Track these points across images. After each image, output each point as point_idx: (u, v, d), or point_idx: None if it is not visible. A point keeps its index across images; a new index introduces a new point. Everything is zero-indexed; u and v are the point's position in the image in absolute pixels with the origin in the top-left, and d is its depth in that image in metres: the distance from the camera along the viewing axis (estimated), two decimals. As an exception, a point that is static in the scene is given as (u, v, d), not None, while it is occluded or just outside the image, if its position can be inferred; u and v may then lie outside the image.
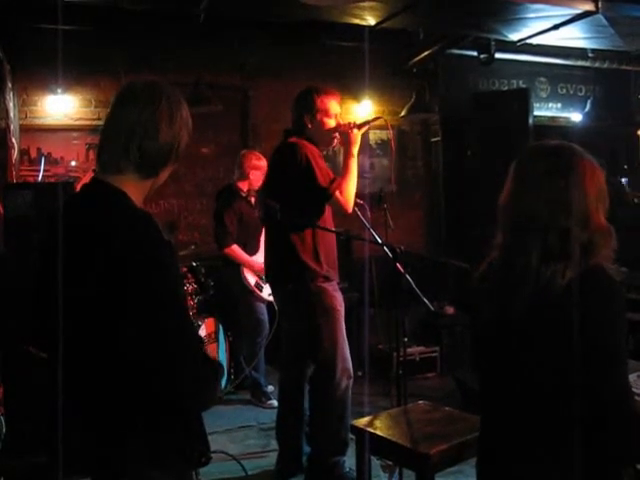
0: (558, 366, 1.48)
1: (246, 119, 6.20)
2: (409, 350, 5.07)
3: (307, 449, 3.52)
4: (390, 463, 3.19)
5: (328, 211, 3.42)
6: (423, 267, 4.42)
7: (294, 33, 5.75)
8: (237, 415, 4.60)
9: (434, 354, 5.55)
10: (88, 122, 5.61)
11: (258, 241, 4.79)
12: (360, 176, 3.50)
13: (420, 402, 2.89)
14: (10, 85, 5.02)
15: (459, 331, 5.61)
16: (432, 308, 3.33)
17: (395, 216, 4.18)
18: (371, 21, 5.29)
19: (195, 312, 4.77)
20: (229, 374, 4.94)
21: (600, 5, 4.78)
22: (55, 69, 4.90)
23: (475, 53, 6.21)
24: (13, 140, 5.05)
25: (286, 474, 3.52)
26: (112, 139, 1.54)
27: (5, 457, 3.21)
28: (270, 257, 3.55)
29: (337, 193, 3.26)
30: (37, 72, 5.38)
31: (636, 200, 6.89)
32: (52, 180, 5.44)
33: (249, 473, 3.48)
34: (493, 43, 6.00)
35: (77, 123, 5.65)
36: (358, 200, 3.46)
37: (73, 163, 5.63)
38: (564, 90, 7.38)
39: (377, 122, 3.58)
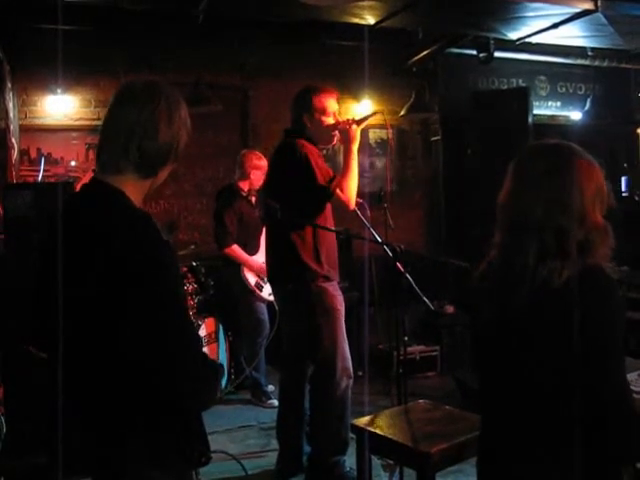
0: (557, 365, 1.48)
1: (246, 119, 6.20)
2: (409, 349, 5.07)
3: (307, 449, 3.52)
4: (391, 462, 3.19)
5: (328, 211, 3.42)
6: (423, 266, 4.42)
7: (294, 33, 5.75)
8: (237, 415, 4.61)
9: (434, 353, 5.55)
10: (88, 122, 5.62)
11: (258, 241, 4.79)
12: (360, 175, 3.50)
13: (420, 401, 2.89)
14: (10, 85, 5.02)
15: (459, 330, 5.61)
16: (432, 307, 3.33)
17: (395, 215, 4.17)
18: (370, 20, 5.28)
19: (195, 312, 4.76)
20: (229, 374, 4.94)
21: (599, 4, 4.77)
22: (55, 69, 4.90)
23: (474, 52, 6.21)
24: (13, 140, 5.05)
25: (286, 474, 3.52)
26: (111, 139, 1.54)
27: (5, 457, 3.21)
28: (270, 257, 3.55)
29: (338, 191, 3.27)
30: (37, 72, 5.38)
31: (637, 198, 6.89)
32: (52, 180, 5.44)
33: (249, 473, 3.48)
34: (492, 42, 6.00)
35: (77, 123, 5.66)
36: (358, 199, 3.46)
37: (73, 163, 5.63)
38: (564, 89, 7.38)
39: (376, 121, 3.59)
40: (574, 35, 5.62)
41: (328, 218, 3.42)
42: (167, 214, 5.83)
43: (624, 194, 7.36)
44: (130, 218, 1.47)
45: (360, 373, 4.50)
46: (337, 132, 3.43)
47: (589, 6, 4.80)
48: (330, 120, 3.41)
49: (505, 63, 6.64)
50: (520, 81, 7.10)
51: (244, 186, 4.91)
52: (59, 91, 5.49)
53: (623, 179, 7.40)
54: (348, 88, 6.18)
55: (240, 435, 4.26)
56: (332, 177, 3.29)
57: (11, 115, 4.98)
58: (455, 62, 6.57)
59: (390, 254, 3.08)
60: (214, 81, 5.80)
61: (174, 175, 5.58)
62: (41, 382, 1.59)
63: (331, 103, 3.42)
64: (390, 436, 2.49)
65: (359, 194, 3.46)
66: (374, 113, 3.64)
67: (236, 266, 4.81)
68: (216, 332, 4.89)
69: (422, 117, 6.74)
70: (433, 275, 5.21)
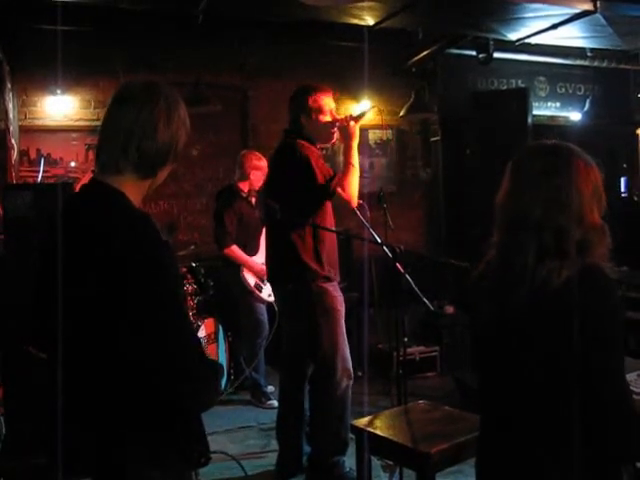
0: (557, 365, 1.48)
1: (246, 119, 6.20)
2: (409, 350, 5.07)
3: (307, 449, 3.52)
4: (390, 463, 3.19)
5: (329, 211, 3.42)
6: (423, 267, 4.41)
7: (293, 33, 5.75)
8: (237, 415, 4.61)
9: (434, 354, 5.55)
10: (87, 123, 5.62)
11: (258, 242, 4.80)
12: (360, 176, 3.50)
13: (420, 402, 2.89)
14: (9, 86, 5.02)
15: (459, 331, 5.61)
16: (432, 308, 3.34)
17: (395, 216, 4.17)
18: (370, 21, 5.29)
19: (195, 312, 4.76)
20: (229, 375, 4.94)
21: (598, 4, 4.78)
22: (54, 70, 4.91)
23: (474, 53, 6.22)
24: (13, 141, 5.05)
25: (286, 474, 3.52)
26: (110, 139, 1.54)
27: (5, 458, 3.21)
28: (271, 257, 3.55)
29: (339, 189, 3.27)
30: (36, 73, 5.38)
31: (636, 198, 6.90)
32: (52, 181, 5.44)
33: (249, 473, 3.48)
34: (492, 43, 6.01)
35: (76, 124, 5.66)
36: (358, 200, 3.46)
37: (72, 164, 5.63)
38: (563, 89, 7.38)
39: (375, 122, 3.60)
40: (573, 36, 5.63)
41: (328, 218, 3.42)
42: (167, 214, 5.83)
43: (623, 194, 7.37)
44: (129, 218, 1.47)
45: (360, 373, 4.51)
46: (336, 129, 3.43)
47: (588, 7, 4.81)
48: (327, 118, 3.41)
49: (504, 64, 6.64)
50: (519, 82, 7.10)
51: (244, 187, 4.91)
52: (59, 92, 5.50)
53: (622, 179, 7.40)
54: (348, 88, 6.19)
55: (240, 436, 4.26)
56: (332, 176, 3.29)
57: (11, 116, 4.98)
58: (455, 63, 6.58)
59: (390, 255, 3.08)
60: (214, 81, 5.81)
61: (174, 175, 5.58)
62: (41, 382, 1.59)
63: (327, 101, 3.42)
64: (390, 437, 2.48)
65: (359, 194, 3.46)
66: (371, 107, 3.67)
67: (236, 267, 4.81)
68: (216, 333, 4.89)
69: (422, 117, 6.74)
70: (433, 275, 5.22)
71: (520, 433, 1.58)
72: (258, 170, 4.84)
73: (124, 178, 1.53)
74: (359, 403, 3.84)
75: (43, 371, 1.57)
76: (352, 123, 3.37)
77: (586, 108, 7.33)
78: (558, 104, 7.37)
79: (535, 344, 1.52)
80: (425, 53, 6.26)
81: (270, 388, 4.90)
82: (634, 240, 5.05)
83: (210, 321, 4.85)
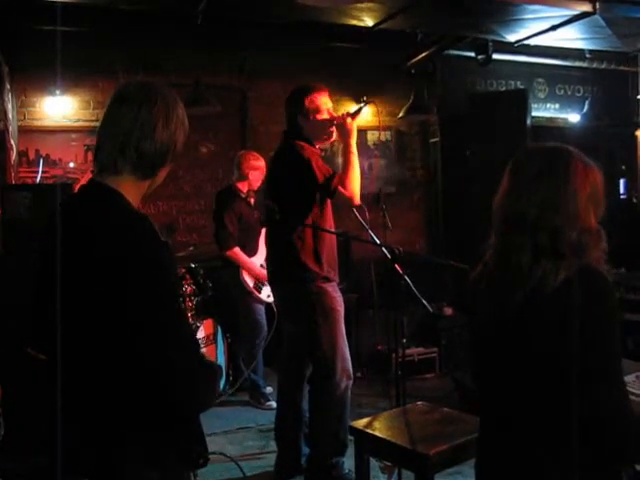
0: (555, 365, 1.48)
1: (245, 120, 6.20)
2: (408, 351, 5.07)
3: (306, 450, 3.52)
4: (389, 464, 3.19)
5: (329, 212, 3.42)
6: (422, 268, 4.42)
7: (293, 34, 5.75)
8: (236, 416, 4.60)
9: (433, 355, 5.55)
10: (86, 123, 5.61)
11: (257, 242, 4.80)
12: (360, 176, 3.50)
13: (419, 403, 2.90)
14: (9, 86, 5.01)
15: (458, 332, 5.61)
16: (431, 309, 3.33)
17: (394, 217, 4.18)
18: (369, 22, 5.29)
19: (194, 313, 4.76)
20: (227, 376, 4.93)
21: (597, 6, 4.79)
22: (53, 70, 4.90)
23: (473, 54, 6.23)
24: (12, 142, 5.04)
25: (285, 475, 3.52)
26: (109, 140, 1.54)
27: (4, 458, 3.20)
28: (270, 258, 3.55)
29: (340, 188, 3.27)
30: (35, 73, 5.37)
31: (635, 200, 6.90)
32: (50, 182, 5.43)
33: (247, 474, 3.49)
34: (491, 44, 6.01)
35: (75, 124, 5.65)
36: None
37: (71, 164, 5.63)
38: (562, 91, 7.39)
39: (373, 122, 3.60)
40: (572, 37, 5.64)
41: (328, 219, 3.42)
42: (166, 215, 5.82)
43: (622, 196, 7.37)
44: (128, 219, 1.47)
45: (359, 375, 4.51)
46: (334, 128, 3.43)
47: (587, 8, 4.82)
48: (325, 117, 3.41)
49: (503, 65, 6.65)
50: (518, 83, 7.11)
51: (243, 187, 4.91)
52: (58, 92, 5.49)
53: (621, 181, 7.40)
54: (347, 90, 6.19)
55: (238, 437, 4.26)
56: (332, 174, 3.28)
57: (10, 116, 4.98)
58: (454, 64, 6.58)
59: (389, 256, 3.08)
60: (213, 82, 5.80)
61: (173, 176, 5.59)
62: (40, 383, 1.59)
63: (324, 100, 3.42)
64: (389, 438, 2.48)
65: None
66: (367, 102, 3.69)
67: (235, 267, 4.80)
68: (214, 333, 4.88)
69: (421, 118, 6.74)
70: (432, 277, 5.22)
71: (520, 433, 1.58)
72: (256, 170, 4.85)
73: (123, 179, 1.53)
74: (358, 404, 3.85)
75: (42, 372, 1.57)
76: (349, 120, 3.37)
77: (585, 110, 7.33)
78: (557, 105, 7.38)
79: (533, 344, 1.52)
80: (424, 54, 6.26)
81: (269, 389, 4.90)
82: (632, 242, 5.06)
83: (209, 322, 4.84)
